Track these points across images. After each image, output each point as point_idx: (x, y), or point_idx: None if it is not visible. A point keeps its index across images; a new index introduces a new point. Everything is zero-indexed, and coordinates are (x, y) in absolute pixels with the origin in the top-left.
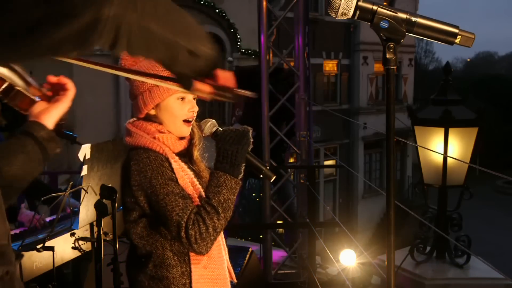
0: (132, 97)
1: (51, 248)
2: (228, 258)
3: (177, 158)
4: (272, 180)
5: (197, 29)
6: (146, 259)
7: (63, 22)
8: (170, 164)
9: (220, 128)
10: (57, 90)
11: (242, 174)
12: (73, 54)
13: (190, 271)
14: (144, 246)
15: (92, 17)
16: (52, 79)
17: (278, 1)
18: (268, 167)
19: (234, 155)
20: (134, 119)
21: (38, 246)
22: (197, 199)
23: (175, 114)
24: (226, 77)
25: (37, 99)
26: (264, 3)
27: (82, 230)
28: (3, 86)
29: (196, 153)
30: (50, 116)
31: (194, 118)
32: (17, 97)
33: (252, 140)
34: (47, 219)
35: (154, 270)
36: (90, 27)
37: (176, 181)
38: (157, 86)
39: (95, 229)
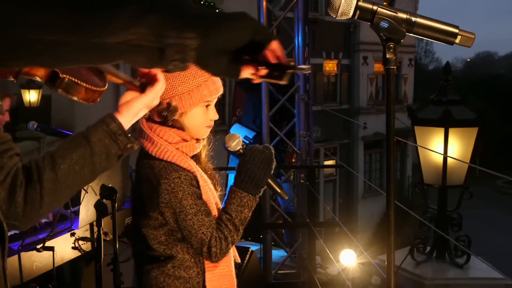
0: None
1: (51, 248)
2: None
3: (201, 171)
4: (286, 199)
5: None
6: (165, 259)
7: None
8: (197, 181)
9: (244, 144)
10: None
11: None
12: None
13: (204, 270)
14: (165, 250)
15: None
16: (144, 69)
17: (278, 1)
18: (283, 189)
19: (261, 179)
20: (150, 121)
21: (38, 246)
22: (216, 211)
23: (200, 122)
24: (273, 51)
25: (93, 87)
26: (264, 3)
27: (82, 230)
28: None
29: (204, 154)
30: (130, 108)
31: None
32: (67, 86)
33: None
34: (43, 221)
35: (172, 270)
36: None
37: (201, 197)
38: (189, 93)
39: (95, 229)
